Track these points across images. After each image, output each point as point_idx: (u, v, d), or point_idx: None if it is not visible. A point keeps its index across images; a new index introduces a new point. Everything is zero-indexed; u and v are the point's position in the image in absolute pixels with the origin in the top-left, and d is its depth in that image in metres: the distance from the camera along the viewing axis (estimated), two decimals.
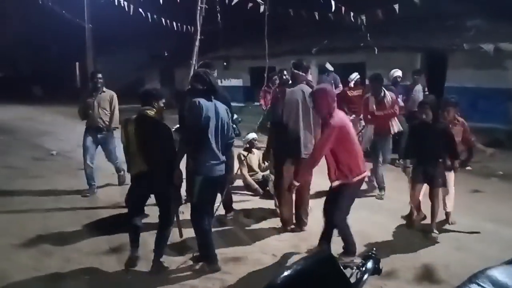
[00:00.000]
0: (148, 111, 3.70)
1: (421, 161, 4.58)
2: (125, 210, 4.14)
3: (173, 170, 3.59)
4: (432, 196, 4.52)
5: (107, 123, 5.99)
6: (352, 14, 8.50)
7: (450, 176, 4.70)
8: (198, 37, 5.83)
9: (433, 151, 4.51)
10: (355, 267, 1.52)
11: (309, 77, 4.84)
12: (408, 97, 8.04)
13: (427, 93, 8.61)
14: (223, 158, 3.69)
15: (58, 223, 4.88)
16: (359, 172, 3.72)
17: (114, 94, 6.15)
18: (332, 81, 10.19)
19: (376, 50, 10.27)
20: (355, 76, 9.33)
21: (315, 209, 4.93)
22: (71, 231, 4.66)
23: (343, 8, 8.23)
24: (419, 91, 7.77)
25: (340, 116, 3.72)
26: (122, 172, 6.17)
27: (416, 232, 4.65)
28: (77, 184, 6.32)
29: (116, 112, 6.09)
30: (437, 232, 4.46)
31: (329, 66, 10.52)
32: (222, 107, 3.72)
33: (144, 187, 3.72)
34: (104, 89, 6.12)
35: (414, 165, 4.64)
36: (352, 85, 9.20)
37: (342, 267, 1.35)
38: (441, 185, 4.53)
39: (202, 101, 3.54)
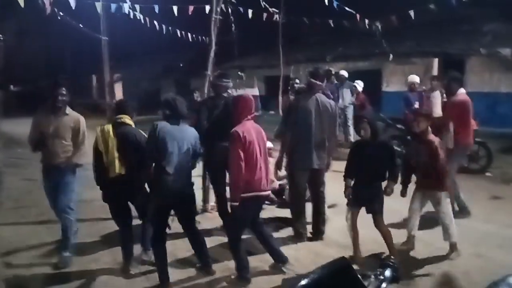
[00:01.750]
0: (127, 119, 3.96)
1: (357, 183, 4.05)
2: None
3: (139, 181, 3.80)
4: (376, 224, 3.99)
5: (65, 158, 4.19)
6: (367, 21, 8.48)
7: (445, 199, 4.10)
8: (213, 48, 5.85)
9: (369, 172, 3.95)
10: (372, 276, 1.48)
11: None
12: (421, 103, 7.93)
13: (445, 99, 8.49)
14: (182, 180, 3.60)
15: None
16: (246, 189, 3.49)
17: (81, 118, 4.35)
18: (349, 89, 10.15)
19: (392, 56, 10.21)
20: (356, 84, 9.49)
21: (332, 218, 4.88)
22: (89, 242, 4.70)
23: (358, 15, 8.22)
24: (436, 97, 7.65)
25: (246, 127, 3.54)
26: (76, 229, 4.41)
27: (434, 238, 4.48)
28: (95, 195, 6.37)
29: (84, 143, 4.31)
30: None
31: (343, 73, 10.47)
32: (189, 132, 3.73)
33: (121, 190, 3.84)
34: (68, 110, 4.28)
35: (352, 188, 4.07)
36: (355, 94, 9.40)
37: (359, 276, 1.33)
38: (378, 211, 3.96)
39: (162, 124, 3.61)
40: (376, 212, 3.96)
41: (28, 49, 27.99)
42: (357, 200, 4.03)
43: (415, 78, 8.24)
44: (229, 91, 5.05)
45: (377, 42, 9.86)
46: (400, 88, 10.71)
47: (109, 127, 3.88)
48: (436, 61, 12.38)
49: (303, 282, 1.30)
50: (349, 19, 8.73)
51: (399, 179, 4.12)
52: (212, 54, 5.95)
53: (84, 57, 24.73)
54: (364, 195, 3.99)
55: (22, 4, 6.26)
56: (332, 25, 9.28)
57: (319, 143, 4.47)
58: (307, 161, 4.45)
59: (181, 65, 23.84)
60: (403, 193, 4.23)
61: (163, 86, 24.64)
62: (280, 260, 3.87)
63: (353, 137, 10.07)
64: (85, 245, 4.60)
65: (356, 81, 9.76)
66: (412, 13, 7.56)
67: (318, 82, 4.53)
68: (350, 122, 10.05)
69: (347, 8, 7.81)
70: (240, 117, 3.61)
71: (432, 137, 4.08)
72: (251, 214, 3.71)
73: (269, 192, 3.81)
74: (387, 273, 1.50)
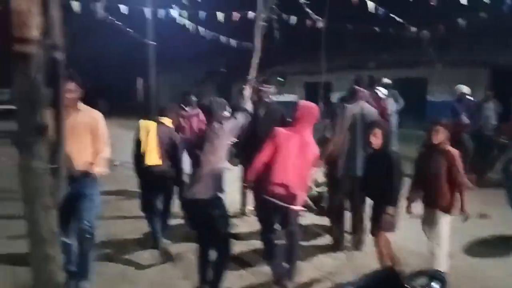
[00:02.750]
0: (167, 121, 4.57)
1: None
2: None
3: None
4: (375, 242, 3.73)
5: (84, 165, 3.42)
6: (413, 28, 8.28)
7: (442, 221, 3.62)
8: (258, 54, 5.91)
9: (373, 186, 3.73)
10: (419, 287, 1.44)
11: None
12: (475, 114, 7.60)
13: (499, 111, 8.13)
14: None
15: (119, 230, 5.08)
16: (267, 192, 3.54)
17: (98, 114, 3.60)
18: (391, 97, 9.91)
19: (439, 65, 9.90)
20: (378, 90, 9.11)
21: None
22: (131, 239, 4.85)
23: (404, 23, 8.05)
24: (490, 109, 7.29)
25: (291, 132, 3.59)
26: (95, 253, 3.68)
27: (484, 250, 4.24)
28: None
29: (105, 146, 3.57)
30: None
31: (387, 81, 10.24)
32: None
33: (155, 179, 4.38)
34: (81, 106, 3.52)
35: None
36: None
37: (406, 286, 1.29)
38: (385, 229, 3.60)
39: None
40: (382, 229, 3.61)
41: (79, 52, 29.36)
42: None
43: (464, 88, 7.93)
44: (271, 96, 5.08)
45: (424, 50, 9.60)
46: (446, 98, 10.34)
47: (152, 123, 4.45)
48: (486, 71, 11.88)
49: None
50: (395, 27, 8.56)
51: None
52: (256, 60, 5.99)
53: (132, 61, 25.60)
54: (372, 214, 3.73)
55: (76, 9, 6.59)
56: (377, 31, 9.13)
57: (363, 151, 4.40)
58: (351, 169, 4.38)
59: (223, 70, 24.22)
60: (408, 209, 3.83)
61: (205, 91, 25.11)
62: (288, 276, 3.71)
63: (397, 147, 9.83)
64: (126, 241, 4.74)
65: (378, 87, 9.40)
66: (461, 21, 7.31)
67: (362, 90, 4.48)
68: (394, 131, 9.79)
69: (393, 15, 7.66)
70: (295, 122, 3.61)
71: (450, 148, 3.69)
72: (270, 217, 3.64)
73: (291, 206, 3.53)
74: (435, 285, 1.45)
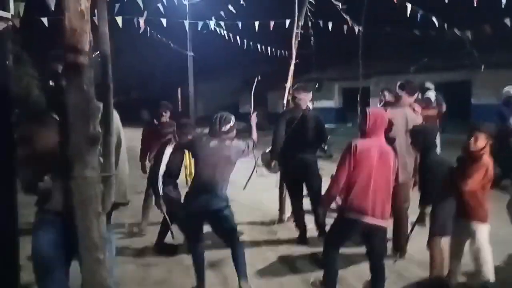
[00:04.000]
0: None
1: None
2: None
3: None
4: (429, 247, 3.72)
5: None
6: (456, 30, 8.03)
7: (481, 232, 3.49)
8: (293, 61, 5.95)
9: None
10: None
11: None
12: None
13: None
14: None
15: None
16: (348, 208, 3.35)
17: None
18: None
19: (483, 67, 9.53)
20: (428, 95, 8.78)
21: (415, 236, 4.63)
22: (174, 245, 4.96)
23: (445, 25, 7.82)
24: None
25: (367, 142, 3.39)
26: None
27: None
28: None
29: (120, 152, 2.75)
30: None
31: (429, 85, 9.96)
32: None
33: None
34: None
35: None
36: (424, 105, 8.68)
37: None
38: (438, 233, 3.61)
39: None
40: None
41: (123, 64, 30.58)
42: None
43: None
44: (308, 104, 5.08)
45: (467, 52, 9.27)
46: (492, 101, 9.93)
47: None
48: None
49: None
50: (435, 29, 8.34)
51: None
52: (292, 67, 6.04)
53: (172, 72, 26.32)
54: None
55: (120, 25, 6.88)
56: (417, 35, 8.92)
57: (405, 158, 4.30)
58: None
59: (258, 78, 24.44)
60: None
61: (241, 99, 25.39)
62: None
63: (439, 149, 9.54)
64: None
65: (428, 91, 9.10)
66: (508, 21, 7.02)
67: (407, 96, 4.38)
68: (437, 137, 9.53)
69: (433, 19, 7.47)
70: (370, 131, 3.38)
71: (488, 158, 3.50)
72: (347, 236, 3.53)
73: (381, 223, 3.31)
74: None
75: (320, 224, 4.94)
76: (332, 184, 3.41)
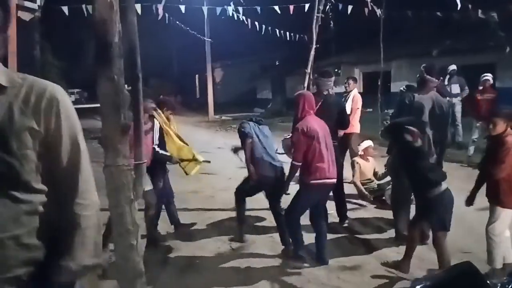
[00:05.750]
0: None
1: None
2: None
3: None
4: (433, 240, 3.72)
5: None
6: (480, 11, 7.80)
7: (500, 216, 3.50)
8: (314, 46, 5.90)
9: None
10: (499, 284, 1.41)
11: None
12: None
13: None
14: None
15: (184, 222, 5.31)
16: (317, 176, 3.78)
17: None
18: (458, 84, 9.44)
19: (508, 48, 9.25)
20: (486, 77, 8.41)
21: None
22: (196, 229, 5.06)
23: (469, 6, 7.61)
24: None
25: (308, 120, 3.88)
26: None
27: None
28: (200, 187, 6.86)
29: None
30: None
31: (452, 67, 9.73)
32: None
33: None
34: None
35: None
36: (481, 88, 8.36)
37: (487, 282, 1.27)
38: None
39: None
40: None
41: (141, 51, 30.71)
42: None
43: None
44: (329, 89, 5.02)
45: (491, 34, 9.01)
46: None
47: None
48: None
49: (424, 284, 1.28)
50: (459, 11, 8.11)
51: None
52: (312, 52, 6.00)
53: (190, 58, 26.35)
54: None
55: (139, 11, 6.93)
56: (439, 16, 8.71)
57: (433, 143, 4.25)
58: None
59: (277, 63, 24.27)
60: (469, 202, 3.73)
61: (259, 85, 25.28)
62: (319, 260, 3.97)
63: (461, 137, 9.36)
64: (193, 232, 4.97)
65: (485, 74, 8.78)
66: None
67: (433, 79, 4.28)
68: (459, 121, 9.34)
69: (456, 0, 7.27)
70: (302, 113, 3.92)
71: (510, 138, 3.47)
72: (316, 200, 4.00)
73: (335, 180, 3.99)
74: None
75: (341, 210, 4.94)
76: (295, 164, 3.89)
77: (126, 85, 1.96)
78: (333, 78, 4.86)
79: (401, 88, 5.25)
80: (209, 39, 18.41)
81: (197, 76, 29.39)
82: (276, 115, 17.97)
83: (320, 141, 3.82)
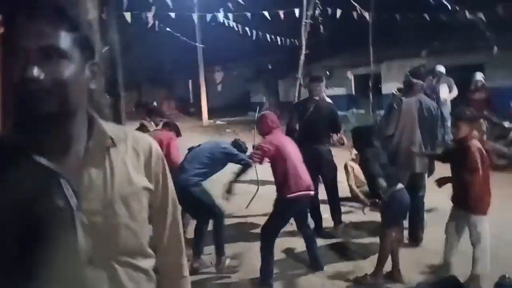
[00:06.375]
0: None
1: None
2: None
3: None
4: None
5: None
6: (467, 12, 7.90)
7: (481, 225, 3.43)
8: (304, 51, 5.95)
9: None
10: None
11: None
12: None
13: None
14: None
15: None
16: (293, 190, 3.68)
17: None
18: (446, 85, 9.53)
19: (496, 48, 9.36)
20: (478, 77, 8.47)
21: (431, 224, 4.66)
22: None
23: (457, 7, 7.70)
24: None
25: (274, 136, 3.90)
26: None
27: None
28: None
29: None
30: None
31: (440, 68, 9.83)
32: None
33: None
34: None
35: None
36: (473, 88, 8.41)
37: None
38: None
39: None
40: None
41: (132, 58, 30.69)
42: None
43: None
44: (322, 93, 5.06)
45: (479, 34, 9.12)
46: (506, 83, 9.77)
47: None
48: None
49: None
50: (447, 12, 8.21)
51: None
52: (302, 57, 6.05)
53: (183, 63, 26.32)
54: None
55: (129, 20, 6.93)
56: (428, 19, 8.80)
57: (422, 147, 4.30)
58: (410, 165, 4.30)
59: (269, 67, 24.25)
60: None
61: (252, 89, 25.30)
62: (314, 267, 3.94)
63: (450, 136, 9.41)
64: None
65: (476, 73, 8.79)
66: None
67: (419, 82, 4.34)
68: (448, 121, 9.43)
69: (444, 1, 7.36)
70: (267, 129, 3.95)
71: (474, 143, 3.43)
72: (292, 215, 3.94)
73: (312, 192, 3.90)
74: None
75: (336, 214, 4.97)
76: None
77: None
78: (324, 83, 4.91)
79: (393, 91, 5.31)
80: (201, 45, 18.41)
81: (190, 81, 29.35)
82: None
83: (290, 155, 3.79)
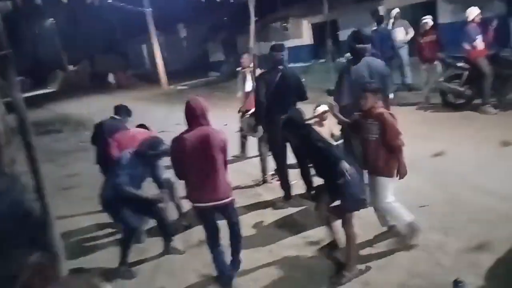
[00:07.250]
0: None
1: None
2: None
3: None
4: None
5: None
6: None
7: (384, 185, 3.54)
8: (253, 18, 5.74)
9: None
10: None
11: None
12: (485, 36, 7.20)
13: None
14: None
15: None
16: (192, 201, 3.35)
17: None
18: (403, 28, 9.49)
19: None
20: (426, 20, 8.43)
21: None
22: None
23: None
24: None
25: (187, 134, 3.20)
26: None
27: None
28: None
29: None
30: None
31: (395, 12, 9.72)
32: None
33: None
34: None
35: None
36: (422, 32, 8.40)
37: None
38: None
39: None
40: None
41: (81, 31, 29.21)
42: None
43: (475, 10, 7.35)
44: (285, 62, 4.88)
45: None
46: (459, 19, 9.75)
47: None
48: None
49: None
50: None
51: None
52: (252, 26, 5.81)
53: (134, 29, 25.27)
54: None
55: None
56: None
57: None
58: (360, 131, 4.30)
59: (225, 19, 23.29)
60: None
61: (210, 48, 24.60)
62: (233, 267, 3.59)
63: (410, 79, 9.52)
64: None
65: (425, 17, 8.72)
66: None
67: (363, 46, 4.24)
68: (406, 63, 9.51)
69: None
70: (189, 123, 3.25)
71: (382, 110, 3.49)
72: (207, 220, 3.43)
73: (222, 201, 3.29)
74: None
75: (307, 179, 5.00)
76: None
77: None
78: (286, 51, 4.76)
79: (346, 55, 5.18)
80: (149, 9, 17.59)
81: (144, 46, 28.27)
82: (232, 77, 17.65)
83: (192, 159, 3.18)
